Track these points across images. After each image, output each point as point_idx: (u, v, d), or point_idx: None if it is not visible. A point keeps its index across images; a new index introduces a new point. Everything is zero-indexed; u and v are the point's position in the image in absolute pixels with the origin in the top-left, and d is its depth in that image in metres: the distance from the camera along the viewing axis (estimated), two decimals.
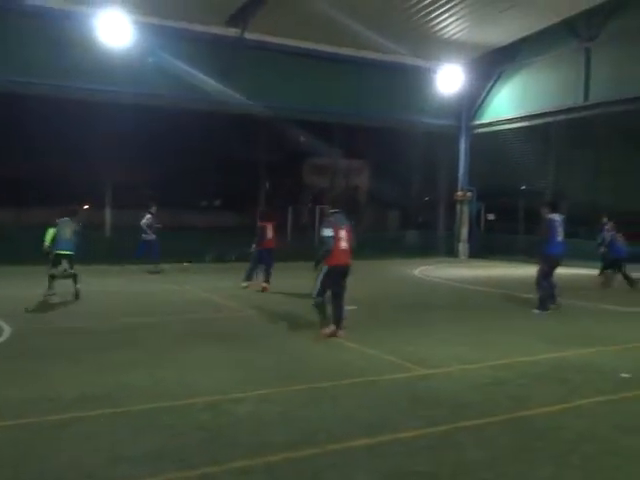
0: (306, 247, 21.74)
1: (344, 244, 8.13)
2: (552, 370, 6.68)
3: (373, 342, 7.88)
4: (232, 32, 19.24)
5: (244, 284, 13.29)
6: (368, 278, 16.84)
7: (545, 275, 10.68)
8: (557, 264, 10.85)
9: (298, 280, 15.60)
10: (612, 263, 14.62)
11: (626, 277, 14.38)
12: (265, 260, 13.34)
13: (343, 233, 8.14)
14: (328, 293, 8.22)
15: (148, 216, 16.19)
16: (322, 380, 6.09)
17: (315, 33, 20.01)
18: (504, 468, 4.08)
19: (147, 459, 4.13)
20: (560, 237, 10.70)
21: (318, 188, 40.80)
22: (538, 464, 4.15)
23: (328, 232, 8.05)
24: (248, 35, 19.30)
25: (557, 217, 10.78)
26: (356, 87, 22.30)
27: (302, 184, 43.32)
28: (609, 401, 5.58)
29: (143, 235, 16.06)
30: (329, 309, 8.25)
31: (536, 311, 10.56)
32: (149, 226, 16.04)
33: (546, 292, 10.64)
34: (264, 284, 13.10)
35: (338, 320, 8.27)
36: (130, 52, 17.61)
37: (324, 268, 8.10)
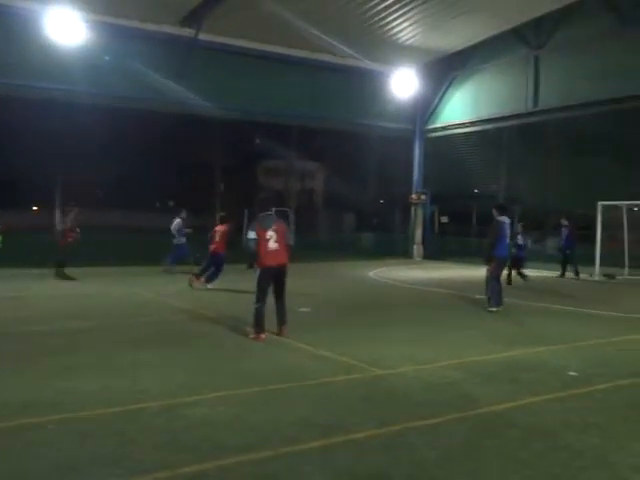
0: None
1: (273, 245, 8.17)
2: (502, 369, 6.81)
3: (328, 344, 7.90)
4: (186, 32, 19.08)
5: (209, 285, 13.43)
6: (323, 280, 16.90)
7: (495, 277, 10.91)
8: (504, 266, 11.16)
9: (252, 283, 15.56)
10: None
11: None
12: (213, 263, 13.51)
13: (270, 234, 8.17)
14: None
15: (178, 220, 16.76)
16: (277, 382, 6.06)
17: (270, 35, 20.01)
18: (455, 466, 4.14)
19: (95, 466, 4.03)
20: (507, 240, 10.98)
21: (274, 190, 40.66)
22: (488, 461, 4.22)
23: (251, 235, 8.18)
24: (203, 36, 19.17)
25: (506, 220, 11.01)
26: (311, 90, 22.38)
27: (258, 186, 43.11)
28: (557, 398, 5.72)
29: (174, 240, 16.70)
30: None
31: (492, 309, 10.75)
32: (179, 231, 16.63)
33: (495, 290, 10.87)
34: (195, 278, 13.40)
35: (280, 321, 8.37)
36: (82, 51, 17.26)
37: (258, 271, 8.23)
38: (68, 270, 14.82)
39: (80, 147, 29.42)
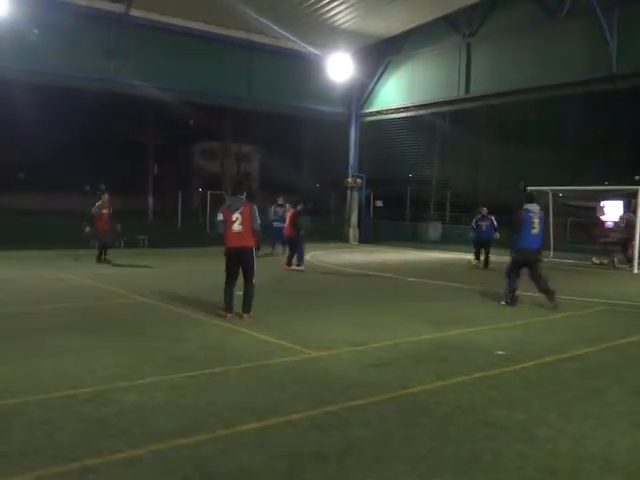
0: (196, 232, 21.47)
1: (237, 227, 8.29)
2: (434, 349, 7.01)
3: (264, 327, 7.91)
4: (116, 7, 18.44)
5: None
6: (260, 263, 16.83)
7: (510, 270, 10.22)
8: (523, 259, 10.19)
9: (187, 265, 15.36)
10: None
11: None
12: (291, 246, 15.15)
13: (236, 216, 8.28)
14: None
15: (274, 208, 18.32)
16: (212, 366, 6.03)
17: (205, 14, 19.62)
18: (388, 444, 4.24)
19: (19, 456, 3.90)
20: (535, 230, 9.92)
21: (209, 172, 40.15)
22: (419, 438, 4.35)
23: (219, 216, 8.41)
24: (134, 12, 18.59)
25: (534, 208, 10.05)
26: (247, 71, 22.13)
27: (192, 168, 42.42)
28: (485, 377, 5.94)
29: (275, 224, 17.69)
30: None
31: (502, 302, 10.25)
32: (276, 215, 18.01)
33: (509, 285, 10.20)
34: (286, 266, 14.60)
35: (244, 306, 8.45)
36: (8, 24, 16.42)
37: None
38: None
39: (1, 126, 28.07)
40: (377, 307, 10.01)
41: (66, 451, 3.98)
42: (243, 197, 8.57)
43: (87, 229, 14.63)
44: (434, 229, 24.86)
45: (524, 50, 19.47)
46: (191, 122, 35.78)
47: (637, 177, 19.66)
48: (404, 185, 26.54)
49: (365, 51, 23.67)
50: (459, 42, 21.49)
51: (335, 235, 25.33)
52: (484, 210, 16.43)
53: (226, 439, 4.25)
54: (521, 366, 6.34)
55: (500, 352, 6.90)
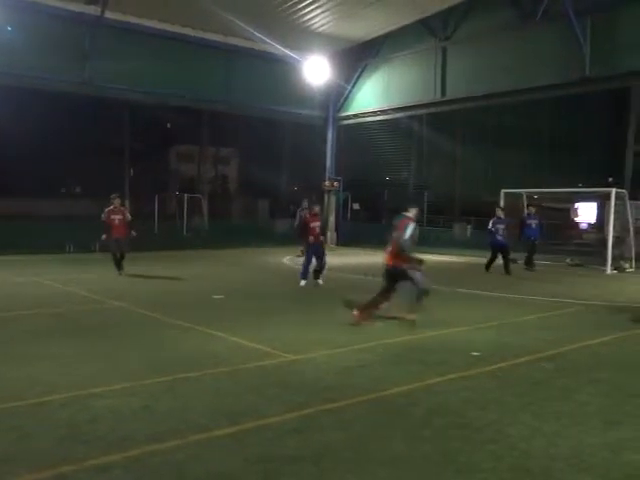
0: (173, 236, 21.34)
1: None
2: (410, 351, 7.06)
3: (241, 331, 7.89)
4: (92, 10, 18.27)
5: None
6: (237, 267, 16.79)
7: None
8: None
9: (165, 270, 15.25)
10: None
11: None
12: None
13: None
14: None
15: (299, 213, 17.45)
16: (188, 370, 6.00)
17: (182, 17, 19.54)
18: (364, 446, 4.26)
19: None
20: None
21: (186, 176, 39.92)
22: (394, 440, 4.37)
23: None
24: (109, 14, 18.42)
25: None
26: (225, 74, 22.08)
27: (169, 172, 42.15)
28: (460, 378, 5.99)
29: None
30: None
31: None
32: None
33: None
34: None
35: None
36: None
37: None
38: None
39: None
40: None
41: (39, 457, 3.94)
42: (405, 214, 8.50)
43: (103, 236, 13.76)
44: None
45: (499, 54, 19.70)
46: (168, 125, 35.56)
47: (610, 179, 19.98)
48: (381, 188, 26.66)
49: (342, 54, 23.75)
50: (435, 46, 21.67)
51: None
52: (499, 211, 15.49)
53: (201, 444, 4.23)
54: (496, 366, 6.41)
55: (475, 353, 6.96)
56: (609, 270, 16.06)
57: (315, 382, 5.75)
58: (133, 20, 19.25)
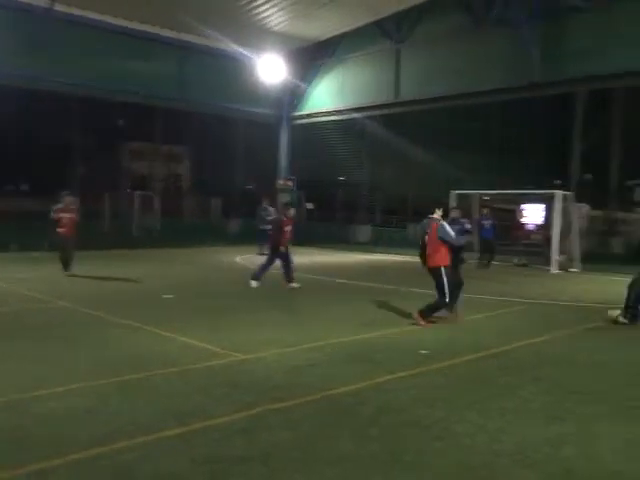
0: (124, 234, 20.98)
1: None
2: (360, 350, 7.11)
3: (191, 330, 7.80)
4: (41, 2, 17.79)
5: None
6: (188, 266, 16.60)
7: None
8: None
9: (115, 269, 14.96)
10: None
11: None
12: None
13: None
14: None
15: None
16: (135, 371, 5.90)
17: (134, 11, 19.22)
18: (311, 446, 4.27)
19: None
20: None
21: (138, 174, 39.20)
22: (342, 439, 4.39)
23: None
24: (59, 7, 17.97)
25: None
26: (178, 71, 21.83)
27: (120, 169, 41.30)
28: (409, 376, 6.07)
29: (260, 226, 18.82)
30: None
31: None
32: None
33: None
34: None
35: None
36: None
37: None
38: None
39: None
40: (306, 309, 10.05)
41: None
42: (432, 216, 8.74)
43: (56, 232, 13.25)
44: (364, 231, 25.16)
45: (452, 57, 20.03)
46: (120, 122, 34.84)
47: (556, 181, 20.51)
48: (335, 188, 26.75)
49: (297, 54, 23.76)
50: (389, 47, 21.89)
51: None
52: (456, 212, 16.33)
53: (148, 445, 4.17)
54: (443, 364, 6.51)
55: (424, 351, 7.06)
56: (554, 270, 16.52)
57: (264, 381, 5.74)
58: (84, 13, 18.82)
